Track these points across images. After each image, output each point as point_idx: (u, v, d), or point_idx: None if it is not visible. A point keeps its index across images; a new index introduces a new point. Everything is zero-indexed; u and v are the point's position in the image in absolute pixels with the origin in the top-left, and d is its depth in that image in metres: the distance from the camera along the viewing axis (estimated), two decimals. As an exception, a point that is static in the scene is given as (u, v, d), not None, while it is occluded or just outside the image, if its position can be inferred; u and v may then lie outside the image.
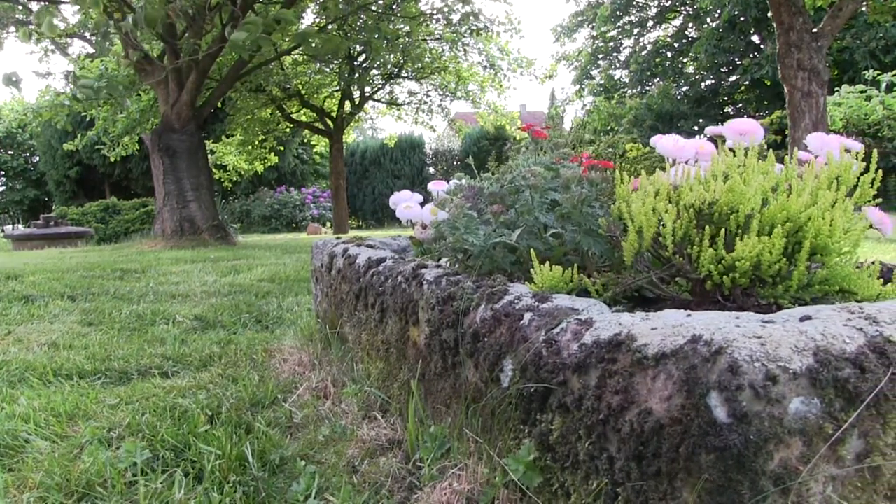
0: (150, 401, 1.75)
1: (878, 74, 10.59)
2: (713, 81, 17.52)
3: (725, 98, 17.78)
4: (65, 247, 11.64)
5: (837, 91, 11.04)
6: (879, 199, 1.16)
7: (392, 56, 13.41)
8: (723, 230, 0.93)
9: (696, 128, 16.75)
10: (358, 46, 13.55)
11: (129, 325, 3.22)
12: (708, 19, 16.54)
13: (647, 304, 1.10)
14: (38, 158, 21.14)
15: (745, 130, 1.23)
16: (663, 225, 0.98)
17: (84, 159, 19.15)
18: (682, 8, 17.65)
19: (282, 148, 17.26)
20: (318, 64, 13.60)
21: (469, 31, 12.38)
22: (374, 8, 11.87)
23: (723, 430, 0.65)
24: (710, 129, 1.40)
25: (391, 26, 12.21)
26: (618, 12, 17.62)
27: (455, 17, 12.25)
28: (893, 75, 10.30)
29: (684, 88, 17.49)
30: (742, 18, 16.02)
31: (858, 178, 1.15)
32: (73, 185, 20.01)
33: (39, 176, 21.60)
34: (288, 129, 16.21)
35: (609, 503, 0.77)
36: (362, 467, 1.26)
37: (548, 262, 1.13)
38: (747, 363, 0.66)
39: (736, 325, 0.75)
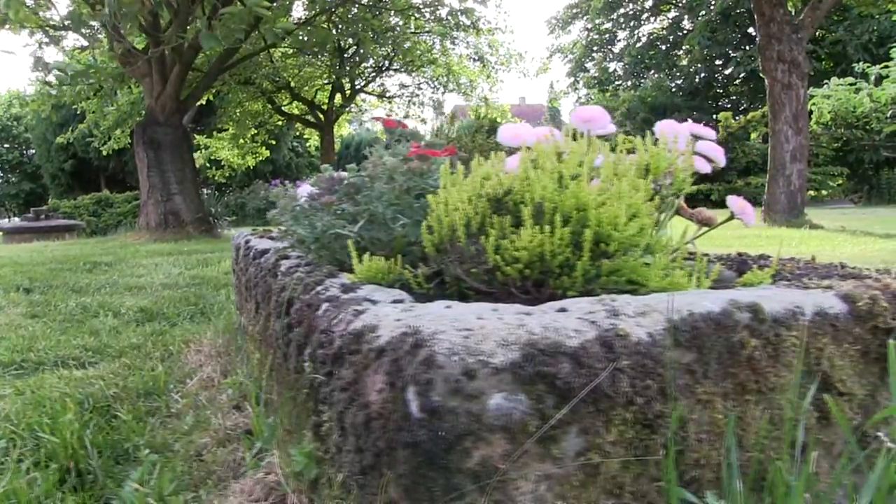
0: (41, 391, 1.76)
1: (868, 67, 10.51)
2: (707, 74, 17.42)
3: (720, 91, 17.69)
4: (55, 240, 11.68)
5: (826, 84, 10.97)
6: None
7: (382, 49, 13.38)
8: (530, 221, 0.93)
9: (689, 120, 16.65)
10: (349, 39, 13.52)
11: (71, 318, 3.23)
12: (702, 12, 16.43)
13: (465, 297, 1.09)
14: (33, 151, 21.20)
15: (590, 118, 1.22)
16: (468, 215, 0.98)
17: (79, 152, 19.19)
18: (677, 0, 17.55)
19: (274, 142, 17.26)
20: (307, 56, 13.57)
21: (456, 26, 12.33)
22: (363, 1, 11.83)
23: (415, 425, 0.65)
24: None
25: (381, 19, 12.17)
26: (612, 4, 17.51)
27: (443, 12, 12.21)
28: (882, 67, 10.21)
29: (678, 81, 17.40)
30: (736, 10, 15.92)
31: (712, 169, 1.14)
32: (68, 178, 20.06)
33: (35, 169, 21.66)
34: (280, 123, 16.21)
35: (346, 496, 0.77)
36: (207, 456, 1.26)
37: (390, 254, 1.13)
38: (445, 357, 0.65)
39: (478, 317, 0.74)
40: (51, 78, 8.01)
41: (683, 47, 17.32)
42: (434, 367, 0.65)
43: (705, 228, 1.39)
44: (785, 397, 0.75)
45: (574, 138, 1.13)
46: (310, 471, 0.90)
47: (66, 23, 11.72)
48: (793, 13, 7.57)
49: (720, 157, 1.36)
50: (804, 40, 7.48)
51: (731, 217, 1.34)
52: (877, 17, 10.91)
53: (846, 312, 0.79)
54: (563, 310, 0.76)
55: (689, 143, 1.34)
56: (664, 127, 1.27)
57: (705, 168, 1.35)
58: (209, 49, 10.69)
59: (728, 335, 0.73)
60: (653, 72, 17.51)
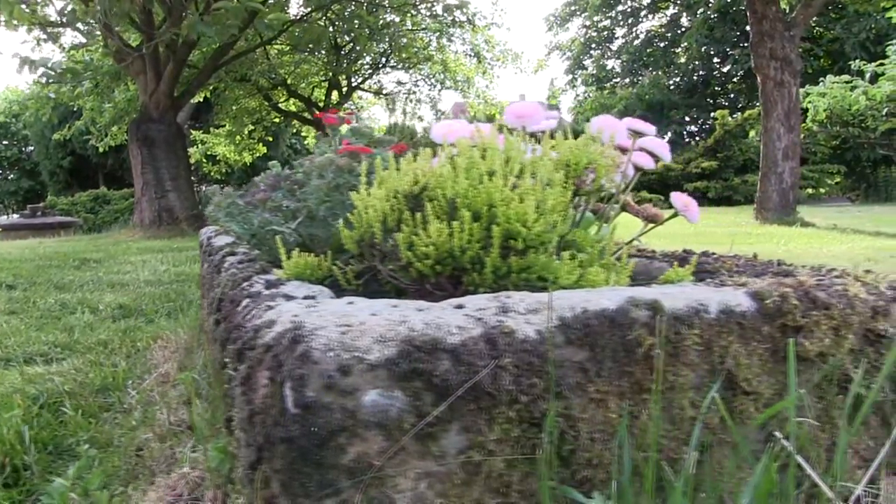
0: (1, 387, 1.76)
1: (864, 65, 10.47)
2: (705, 72, 17.38)
3: (718, 88, 17.64)
4: (51, 236, 11.69)
5: (822, 81, 10.93)
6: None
7: (378, 46, 13.36)
8: (457, 219, 0.92)
9: (686, 118, 16.64)
10: (346, 36, 13.49)
11: (49, 314, 3.23)
12: (701, 9, 16.38)
13: (403, 294, 1.09)
14: (32, 148, 21.22)
15: (524, 114, 1.21)
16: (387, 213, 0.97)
17: (77, 149, 19.19)
18: (676, -3, 17.50)
19: (271, 138, 17.26)
20: (304, 53, 13.55)
21: (452, 22, 12.31)
22: (360, -2, 11.81)
23: (290, 420, 0.64)
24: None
25: (377, 16, 12.14)
26: (610, 1, 17.47)
27: (438, 9, 12.18)
28: (878, 65, 10.17)
29: (676, 79, 17.35)
30: (734, 8, 15.86)
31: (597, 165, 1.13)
32: (66, 175, 20.08)
33: (34, 166, 21.68)
34: (277, 120, 16.20)
35: (244, 492, 0.76)
36: (146, 451, 1.26)
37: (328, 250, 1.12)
38: (320, 352, 0.65)
39: (372, 313, 0.73)
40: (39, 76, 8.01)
41: (682, 44, 17.27)
42: (309, 363, 0.65)
43: (651, 225, 1.39)
44: (687, 396, 0.75)
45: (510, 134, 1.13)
46: (224, 466, 0.89)
47: (63, 19, 11.72)
48: (786, 10, 7.54)
49: (665, 153, 1.36)
50: (796, 38, 7.45)
51: (675, 214, 1.33)
52: (874, 14, 10.87)
53: (754, 310, 0.79)
54: (460, 306, 0.75)
55: (633, 140, 1.33)
56: (600, 123, 1.26)
57: (649, 164, 1.34)
58: (205, 45, 10.69)
59: (623, 333, 0.72)
60: (650, 69, 17.46)
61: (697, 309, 0.76)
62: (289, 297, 0.93)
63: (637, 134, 1.30)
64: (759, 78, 7.65)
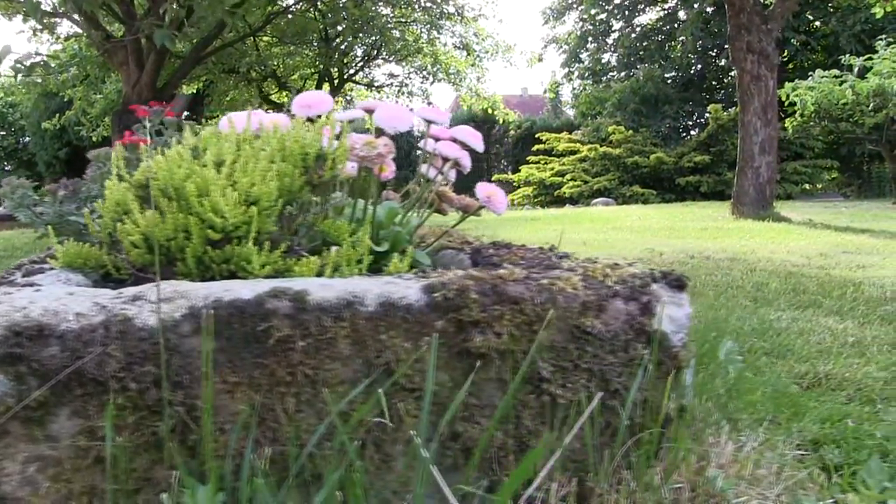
0: None
1: (853, 59, 10.34)
2: (701, 65, 17.21)
3: (714, 83, 17.48)
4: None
5: (811, 76, 10.81)
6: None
7: (368, 38, 13.32)
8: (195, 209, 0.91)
9: (681, 112, 16.49)
10: (337, 28, 13.45)
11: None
12: (696, 3, 16.21)
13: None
14: (28, 139, 21.31)
15: (311, 103, 1.20)
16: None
17: (73, 140, 19.25)
18: (673, -10, 17.34)
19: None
20: (296, 45, 13.51)
21: (441, 14, 12.24)
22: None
23: None
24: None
25: (365, 8, 12.09)
26: (606, -6, 17.33)
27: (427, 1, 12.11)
28: (866, 59, 10.05)
29: (672, 73, 17.21)
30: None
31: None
32: (62, 165, 20.13)
33: (30, 157, 21.76)
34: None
35: None
36: None
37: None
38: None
39: (30, 301, 0.72)
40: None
41: (680, 38, 17.12)
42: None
43: (465, 214, 1.37)
44: (336, 391, 0.73)
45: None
46: None
47: (61, 9, 11.75)
48: (763, 3, 7.46)
49: (476, 143, 1.34)
50: (774, 31, 7.36)
51: (482, 206, 1.32)
52: (869, 7, 10.71)
53: (423, 304, 0.77)
54: (136, 297, 0.74)
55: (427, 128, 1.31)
56: (381, 110, 1.23)
57: (455, 153, 1.32)
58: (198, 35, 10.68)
59: (255, 324, 0.71)
60: (646, 63, 17.33)
61: (351, 301, 0.74)
62: (36, 287, 0.92)
63: (428, 123, 1.28)
64: (736, 71, 7.57)
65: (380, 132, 1.18)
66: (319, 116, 1.23)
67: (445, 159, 1.31)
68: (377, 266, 1.12)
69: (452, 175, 1.46)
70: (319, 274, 0.89)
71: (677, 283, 0.94)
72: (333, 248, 0.98)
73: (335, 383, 0.73)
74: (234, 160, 0.90)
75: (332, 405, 0.72)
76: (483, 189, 1.28)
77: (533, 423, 0.80)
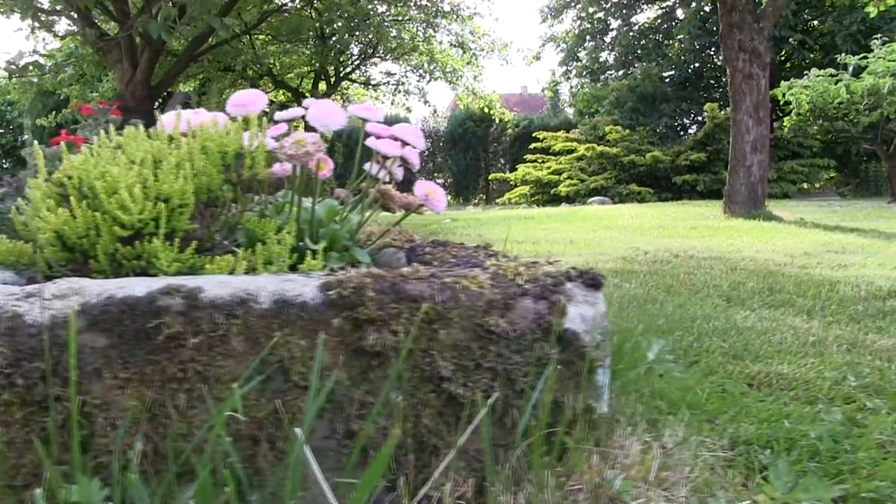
0: None
1: (848, 57, 10.32)
2: (699, 64, 17.18)
3: (712, 81, 17.45)
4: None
5: (807, 74, 10.79)
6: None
7: (364, 37, 13.31)
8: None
9: (678, 110, 16.47)
10: (334, 26, 13.46)
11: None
12: (693, 3, 16.19)
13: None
14: (26, 137, 21.34)
15: (245, 102, 1.21)
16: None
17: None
18: (672, -12, 17.31)
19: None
20: (291, 43, 13.52)
21: (436, 12, 12.24)
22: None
23: None
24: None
25: (361, 6, 12.09)
26: (604, -8, 17.31)
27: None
28: (861, 58, 10.04)
29: (670, 71, 17.18)
30: (728, -1, 15.64)
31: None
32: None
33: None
34: (265, 110, 16.18)
35: None
36: None
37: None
38: None
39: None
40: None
41: (678, 37, 17.09)
42: None
43: (406, 212, 1.38)
44: (229, 388, 0.74)
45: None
46: None
47: (56, 6, 11.77)
48: (755, 1, 7.45)
49: (415, 140, 1.35)
50: (766, 30, 7.35)
51: (422, 205, 1.32)
52: (864, 6, 10.69)
53: (319, 302, 0.78)
54: (30, 294, 0.75)
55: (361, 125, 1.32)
56: (315, 107, 1.24)
57: (395, 151, 1.33)
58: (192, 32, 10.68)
59: (147, 321, 0.72)
60: (643, 61, 17.30)
61: (245, 299, 0.75)
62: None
63: (364, 121, 1.29)
64: (728, 70, 7.57)
65: (312, 130, 1.19)
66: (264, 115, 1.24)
67: (385, 157, 1.32)
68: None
69: (400, 173, 1.47)
70: (233, 271, 0.90)
71: (592, 283, 0.95)
72: (260, 246, 0.99)
73: (228, 380, 0.74)
74: (143, 159, 0.91)
75: (224, 401, 0.73)
76: (421, 187, 1.29)
77: (433, 422, 0.81)
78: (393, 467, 0.79)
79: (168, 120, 1.15)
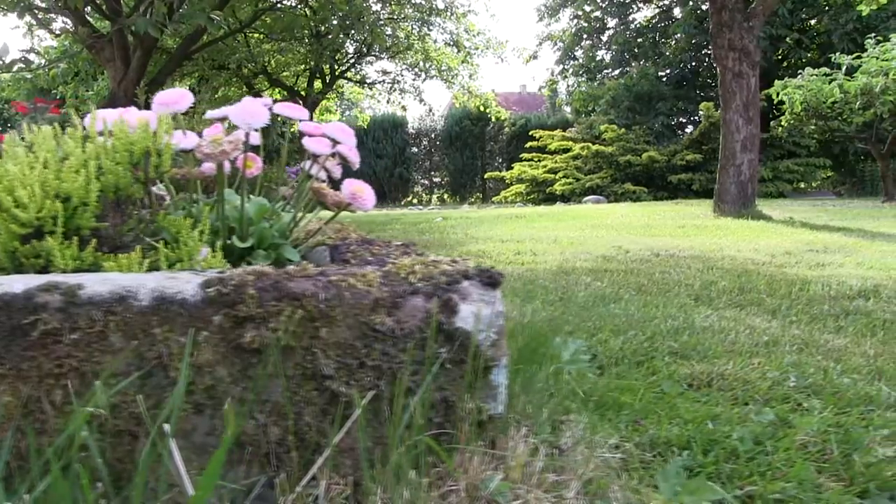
0: None
1: (841, 57, 10.31)
2: (695, 63, 17.18)
3: (708, 80, 17.43)
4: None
5: (801, 73, 10.78)
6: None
7: (358, 35, 13.32)
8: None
9: (674, 109, 16.47)
10: (329, 24, 13.46)
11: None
12: (690, 1, 16.18)
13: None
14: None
15: (169, 101, 1.22)
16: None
17: (69, 136, 19.33)
18: (669, -13, 17.30)
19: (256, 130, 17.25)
20: (281, 41, 13.53)
21: (430, 10, 12.24)
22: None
23: None
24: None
25: (355, 4, 12.09)
26: (601, -9, 17.30)
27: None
28: (855, 58, 10.02)
29: (666, 70, 17.17)
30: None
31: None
32: (60, 161, 20.25)
33: (30, 152, 21.85)
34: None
35: None
36: None
37: None
38: None
39: None
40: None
41: (675, 35, 17.08)
42: None
43: (337, 210, 1.39)
44: (105, 383, 0.76)
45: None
46: None
47: (46, 4, 11.78)
48: (745, 0, 7.44)
49: (342, 137, 1.36)
50: (756, 28, 7.35)
51: (349, 203, 1.34)
52: (857, 4, 10.66)
53: (199, 299, 0.79)
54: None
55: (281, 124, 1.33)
56: (238, 108, 1.25)
57: (324, 149, 1.35)
58: (185, 31, 10.70)
59: (23, 317, 0.73)
60: (640, 60, 17.29)
61: (124, 296, 0.77)
62: None
63: (290, 119, 1.31)
64: (718, 69, 7.57)
65: (235, 129, 1.20)
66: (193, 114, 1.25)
67: (316, 155, 1.33)
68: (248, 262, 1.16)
69: (338, 171, 1.48)
70: (130, 269, 0.91)
71: (490, 281, 0.96)
72: (162, 244, 1.00)
73: (108, 376, 0.76)
74: (45, 159, 0.92)
75: (99, 396, 0.74)
76: (348, 186, 1.30)
77: (315, 419, 0.82)
78: (274, 464, 0.80)
79: (89, 119, 1.17)
